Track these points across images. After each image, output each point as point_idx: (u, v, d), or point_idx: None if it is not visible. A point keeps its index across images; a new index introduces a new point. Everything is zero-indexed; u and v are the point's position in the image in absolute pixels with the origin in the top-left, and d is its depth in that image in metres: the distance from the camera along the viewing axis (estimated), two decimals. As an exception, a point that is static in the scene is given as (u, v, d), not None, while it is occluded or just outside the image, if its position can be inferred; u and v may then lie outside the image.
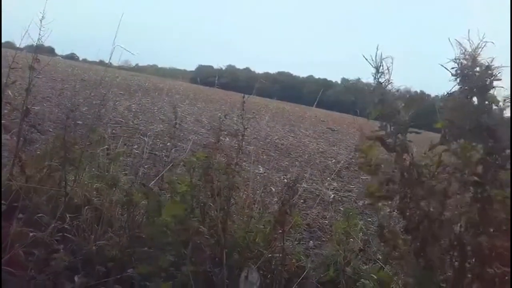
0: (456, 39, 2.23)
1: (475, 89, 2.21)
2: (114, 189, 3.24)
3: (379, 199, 2.30)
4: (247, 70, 71.35)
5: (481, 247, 2.06)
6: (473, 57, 2.20)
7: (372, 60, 2.29)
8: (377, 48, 2.27)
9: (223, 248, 2.72)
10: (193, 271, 2.53)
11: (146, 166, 4.29)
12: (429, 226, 2.20)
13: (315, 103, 5.32)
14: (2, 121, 3.31)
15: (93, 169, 3.74)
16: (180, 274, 2.60)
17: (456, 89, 2.25)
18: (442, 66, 2.26)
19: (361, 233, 3.80)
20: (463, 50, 2.22)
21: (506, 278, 2.06)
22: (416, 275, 2.24)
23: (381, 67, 2.29)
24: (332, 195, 6.81)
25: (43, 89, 11.45)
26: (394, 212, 2.42)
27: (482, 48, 2.20)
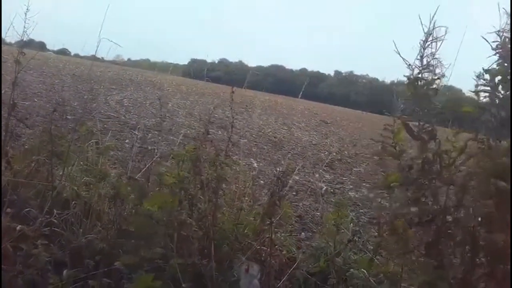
0: (503, 8, 2.02)
1: None
2: (102, 182, 3.22)
3: (396, 186, 2.21)
4: (240, 63, 71.23)
5: (495, 244, 1.95)
6: None
7: (425, 26, 2.12)
8: (435, 11, 2.08)
9: (212, 240, 2.72)
10: (180, 263, 2.52)
11: (136, 160, 4.28)
12: (443, 220, 2.12)
13: (300, 95, 5.32)
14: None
15: (82, 163, 3.72)
16: (168, 267, 2.59)
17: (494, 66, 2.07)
18: (483, 37, 2.07)
19: (351, 224, 3.82)
20: (510, 22, 2.01)
21: None
22: (427, 274, 2.18)
23: (431, 37, 2.12)
24: (324, 187, 6.82)
25: (33, 84, 11.37)
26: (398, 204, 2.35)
27: None
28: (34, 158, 3.35)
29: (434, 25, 2.11)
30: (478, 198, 2.06)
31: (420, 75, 2.16)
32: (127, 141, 6.75)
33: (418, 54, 2.14)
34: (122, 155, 5.24)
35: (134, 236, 2.69)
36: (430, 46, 2.13)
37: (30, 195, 3.18)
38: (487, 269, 2.05)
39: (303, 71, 77.43)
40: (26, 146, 3.72)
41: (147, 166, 3.42)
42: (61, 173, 3.34)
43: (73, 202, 3.08)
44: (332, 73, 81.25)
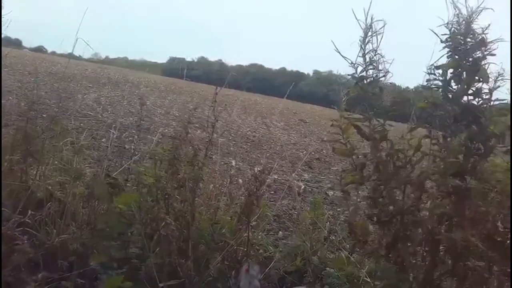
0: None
1: (464, 62, 2.00)
2: (77, 182, 3.18)
3: (353, 187, 2.20)
4: (219, 62, 71.16)
5: (454, 242, 1.94)
6: (467, 23, 1.98)
7: (361, 22, 2.06)
8: (369, 6, 2.02)
9: (189, 240, 2.70)
10: (157, 263, 2.51)
11: (113, 160, 4.24)
12: (401, 220, 2.10)
13: (285, 95, 5.31)
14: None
15: (56, 162, 3.66)
16: (144, 266, 2.58)
17: (444, 62, 2.04)
18: (432, 31, 2.04)
19: (328, 222, 3.85)
20: (457, 13, 1.99)
21: (481, 273, 1.96)
22: (387, 276, 2.19)
23: (370, 32, 2.07)
24: (303, 186, 6.85)
25: (8, 82, 11.15)
26: (362, 202, 2.34)
27: (479, 14, 1.97)
28: (8, 157, 3.28)
29: (371, 19, 2.07)
30: (436, 197, 2.07)
31: (364, 73, 2.14)
32: (103, 139, 6.67)
33: (359, 51, 2.12)
34: (98, 154, 5.18)
35: (108, 236, 2.66)
36: (370, 41, 2.10)
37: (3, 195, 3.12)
38: (448, 267, 2.06)
39: (282, 70, 77.74)
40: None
41: (125, 165, 3.38)
42: (35, 172, 3.29)
43: (48, 203, 3.03)
44: (311, 73, 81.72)
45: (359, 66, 2.15)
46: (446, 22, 2.03)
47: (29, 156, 3.21)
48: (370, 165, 2.17)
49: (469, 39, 2.00)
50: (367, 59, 2.13)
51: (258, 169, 3.05)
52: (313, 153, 10.91)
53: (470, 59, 2.01)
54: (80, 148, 3.72)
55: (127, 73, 23.61)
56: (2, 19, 3.25)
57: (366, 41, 2.10)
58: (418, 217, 2.09)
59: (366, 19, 2.07)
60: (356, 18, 2.07)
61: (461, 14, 1.99)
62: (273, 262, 3.22)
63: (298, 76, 70.94)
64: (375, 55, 2.12)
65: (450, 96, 2.07)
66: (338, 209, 5.87)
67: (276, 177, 6.96)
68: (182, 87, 22.95)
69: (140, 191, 2.73)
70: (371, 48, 2.11)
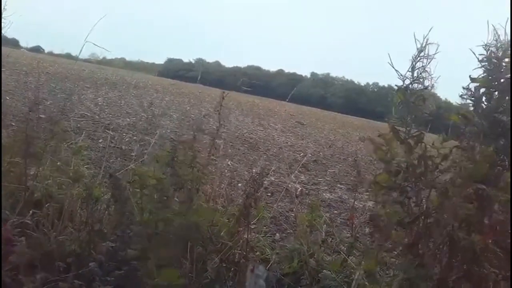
0: (492, 24, 2.15)
1: (496, 82, 2.16)
2: (75, 183, 3.18)
3: (384, 189, 2.27)
4: (216, 63, 71.17)
5: (473, 246, 2.04)
6: (505, 48, 2.13)
7: (417, 41, 2.23)
8: (429, 30, 2.21)
9: (187, 241, 2.71)
10: (157, 264, 2.51)
11: (111, 161, 4.24)
12: (424, 221, 2.20)
13: (288, 98, 5.33)
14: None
15: (55, 163, 3.66)
16: (144, 268, 2.58)
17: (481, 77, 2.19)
18: (470, 50, 2.19)
19: (325, 225, 3.86)
20: (496, 37, 2.14)
21: (497, 279, 2.05)
22: (406, 271, 2.23)
23: (423, 53, 2.23)
24: (300, 188, 6.87)
25: (6, 82, 11.13)
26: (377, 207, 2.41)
27: None
28: (7, 158, 3.28)
29: (426, 42, 2.22)
30: (459, 201, 2.13)
31: (410, 86, 2.27)
32: (100, 140, 6.68)
33: (409, 67, 2.27)
34: (96, 155, 5.18)
35: (107, 238, 2.67)
36: (420, 60, 2.24)
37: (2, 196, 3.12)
38: (464, 271, 2.12)
39: (280, 72, 77.77)
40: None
41: (126, 168, 3.39)
42: (33, 173, 3.29)
43: (46, 204, 3.03)
44: (308, 75, 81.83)
45: (407, 79, 2.29)
46: (484, 43, 2.17)
47: (29, 157, 3.21)
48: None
49: (504, 63, 2.15)
50: (415, 74, 2.28)
51: (256, 171, 3.06)
52: (310, 155, 10.93)
53: (502, 80, 2.15)
54: (77, 149, 3.73)
55: (125, 74, 23.57)
56: (3, 20, 3.23)
57: (417, 59, 2.26)
58: (440, 219, 2.17)
59: (422, 41, 2.23)
60: (415, 40, 2.24)
61: (499, 39, 2.15)
62: (270, 264, 3.23)
63: (295, 78, 71.04)
64: (422, 72, 2.27)
65: (481, 111, 2.20)
66: (335, 212, 5.90)
67: (273, 179, 6.97)
68: (179, 88, 22.96)
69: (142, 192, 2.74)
70: (420, 65, 2.27)
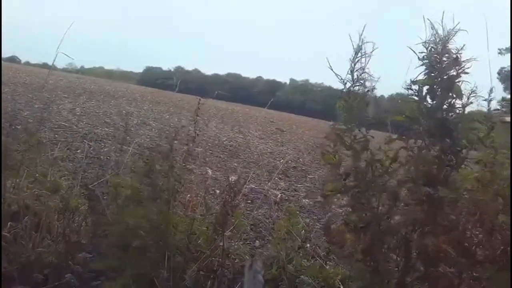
0: (429, 19, 2.13)
1: (439, 79, 2.14)
2: (53, 194, 3.17)
3: (334, 194, 2.28)
4: (196, 71, 70.93)
5: (426, 248, 2.05)
6: (443, 43, 2.11)
7: (353, 42, 2.19)
8: (363, 29, 2.17)
9: (165, 250, 2.73)
10: (134, 274, 2.53)
11: (88, 171, 4.23)
12: (377, 226, 2.19)
13: (267, 106, 5.38)
14: None
15: (33, 175, 3.64)
16: (121, 278, 2.59)
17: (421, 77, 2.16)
18: (410, 48, 2.17)
19: (303, 231, 3.90)
20: (434, 33, 2.13)
21: (452, 278, 2.07)
22: (361, 278, 2.26)
23: (360, 53, 2.21)
24: (279, 195, 6.90)
25: (-20, 93, 10.95)
26: (340, 210, 2.43)
27: (454, 34, 2.11)
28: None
29: (362, 41, 2.21)
30: (409, 204, 2.16)
31: (351, 89, 2.26)
32: (78, 151, 6.63)
33: (348, 69, 2.26)
34: (73, 166, 5.15)
35: (84, 249, 2.67)
36: (359, 61, 2.23)
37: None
38: (421, 272, 2.15)
39: (259, 79, 77.91)
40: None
41: (102, 179, 3.39)
42: (9, 185, 3.27)
43: (24, 216, 3.01)
44: (288, 81, 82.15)
45: (348, 82, 2.29)
46: (424, 40, 2.16)
47: (6, 169, 3.19)
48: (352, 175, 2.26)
49: (444, 58, 2.13)
50: (355, 76, 2.27)
51: (233, 178, 3.09)
52: (290, 161, 10.98)
53: (445, 76, 2.14)
54: (54, 160, 3.71)
55: (103, 83, 23.39)
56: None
57: (356, 60, 2.25)
58: (393, 224, 2.18)
59: (359, 39, 2.22)
60: (351, 40, 2.21)
61: (438, 34, 2.13)
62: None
63: (274, 84, 71.27)
64: (362, 73, 2.26)
65: (425, 110, 2.19)
66: (314, 217, 5.94)
67: (253, 186, 7.00)
68: (158, 96, 22.84)
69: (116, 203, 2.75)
70: (359, 66, 2.26)
